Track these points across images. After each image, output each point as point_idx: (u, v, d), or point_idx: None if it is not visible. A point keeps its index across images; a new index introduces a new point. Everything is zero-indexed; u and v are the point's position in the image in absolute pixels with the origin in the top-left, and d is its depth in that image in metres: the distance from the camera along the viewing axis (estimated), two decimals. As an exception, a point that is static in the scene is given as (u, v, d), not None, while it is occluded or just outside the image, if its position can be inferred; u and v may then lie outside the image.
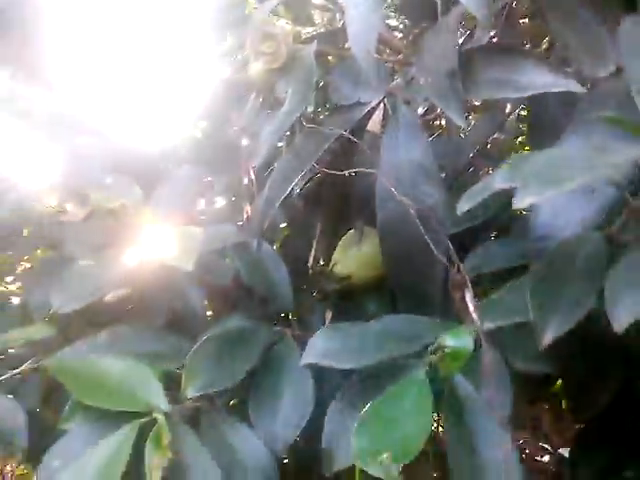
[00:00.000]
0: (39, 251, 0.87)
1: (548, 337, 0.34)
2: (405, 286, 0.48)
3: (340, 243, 0.59)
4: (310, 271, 0.62)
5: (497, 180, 0.28)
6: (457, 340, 0.35)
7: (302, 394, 0.45)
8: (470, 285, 0.38)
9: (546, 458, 0.87)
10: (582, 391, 0.45)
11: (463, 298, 0.37)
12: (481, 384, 0.40)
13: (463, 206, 0.32)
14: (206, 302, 0.62)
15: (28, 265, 0.94)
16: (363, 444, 0.33)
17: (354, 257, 0.57)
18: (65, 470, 0.40)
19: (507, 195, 0.30)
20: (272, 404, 0.45)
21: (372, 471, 0.32)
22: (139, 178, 0.61)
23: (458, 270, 0.40)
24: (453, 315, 0.42)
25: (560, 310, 0.34)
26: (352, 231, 0.58)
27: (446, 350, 0.35)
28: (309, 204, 0.62)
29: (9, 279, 0.91)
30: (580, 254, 0.36)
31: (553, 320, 0.34)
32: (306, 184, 0.61)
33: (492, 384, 0.40)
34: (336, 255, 0.59)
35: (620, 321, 0.30)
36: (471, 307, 0.37)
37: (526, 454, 0.89)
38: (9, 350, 0.62)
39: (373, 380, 0.40)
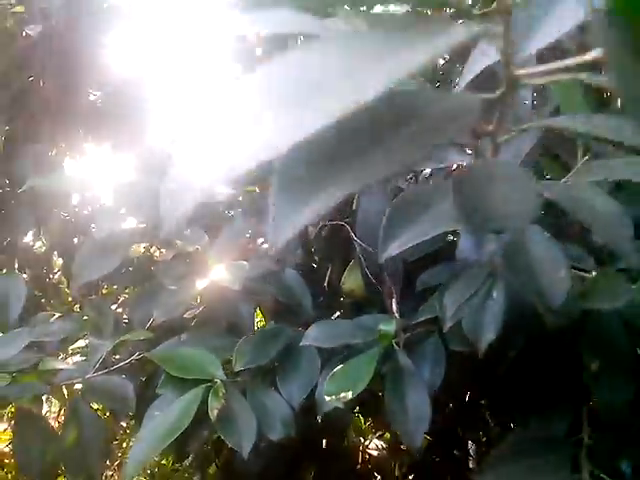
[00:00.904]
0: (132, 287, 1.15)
1: (446, 326, 0.56)
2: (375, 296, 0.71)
3: (347, 268, 0.82)
4: (327, 289, 0.85)
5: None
6: (386, 326, 0.58)
7: (311, 369, 0.68)
8: (395, 295, 0.60)
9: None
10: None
11: (391, 304, 0.60)
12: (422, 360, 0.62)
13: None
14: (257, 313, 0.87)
15: (126, 295, 1.23)
16: (331, 389, 0.56)
17: (355, 278, 0.80)
18: (159, 415, 0.65)
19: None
20: (292, 375, 0.68)
21: (334, 404, 0.54)
22: (211, 224, 0.87)
23: (389, 286, 0.62)
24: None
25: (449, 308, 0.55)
26: (354, 260, 0.81)
27: (380, 332, 0.58)
28: (325, 244, 0.86)
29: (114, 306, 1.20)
30: (468, 273, 0.57)
31: (447, 315, 0.55)
32: (321, 230, 0.84)
33: (428, 362, 0.61)
34: (344, 277, 0.82)
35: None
36: (394, 309, 0.59)
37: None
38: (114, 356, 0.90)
39: (348, 357, 0.62)
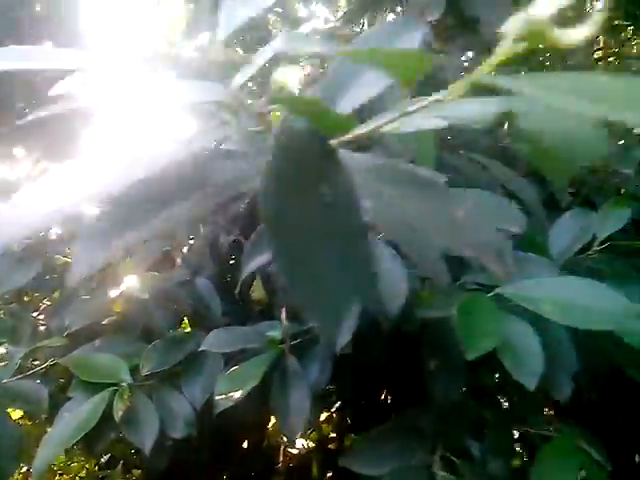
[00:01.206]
0: (56, 293, 1.18)
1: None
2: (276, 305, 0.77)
3: (255, 280, 0.88)
4: (238, 298, 0.91)
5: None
6: (273, 332, 0.64)
7: (213, 372, 0.74)
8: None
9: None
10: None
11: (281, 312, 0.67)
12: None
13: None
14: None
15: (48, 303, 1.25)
16: (221, 388, 0.62)
17: (261, 288, 0.86)
18: (68, 416, 0.69)
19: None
20: (195, 378, 0.74)
21: (225, 402, 0.60)
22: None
23: (281, 296, 0.69)
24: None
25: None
26: (260, 271, 0.88)
27: (269, 337, 0.64)
28: (236, 256, 0.92)
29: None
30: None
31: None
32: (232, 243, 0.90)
33: (316, 364, 0.68)
34: (253, 287, 0.88)
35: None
36: (283, 317, 0.65)
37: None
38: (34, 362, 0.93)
39: (243, 360, 0.68)
